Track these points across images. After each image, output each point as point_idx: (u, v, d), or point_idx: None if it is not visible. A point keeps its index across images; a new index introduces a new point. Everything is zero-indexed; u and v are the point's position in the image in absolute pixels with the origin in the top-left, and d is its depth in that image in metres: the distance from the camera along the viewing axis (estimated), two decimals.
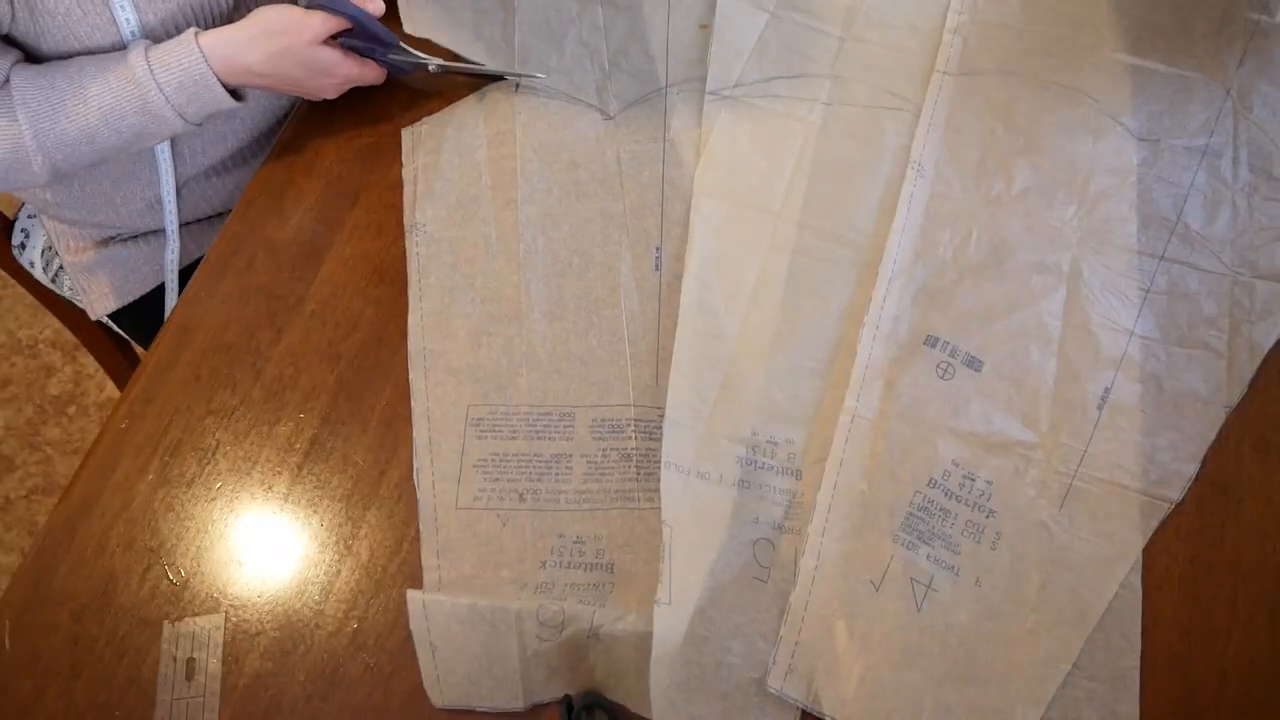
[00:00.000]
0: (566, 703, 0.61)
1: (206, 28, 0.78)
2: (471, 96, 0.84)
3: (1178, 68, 0.82)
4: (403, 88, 0.86)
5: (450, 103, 0.84)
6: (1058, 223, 0.76)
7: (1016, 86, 0.82)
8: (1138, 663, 0.62)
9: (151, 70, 0.73)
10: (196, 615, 0.66)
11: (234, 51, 0.75)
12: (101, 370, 1.15)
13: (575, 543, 0.67)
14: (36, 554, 0.69)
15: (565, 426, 0.71)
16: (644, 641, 0.62)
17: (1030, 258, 0.75)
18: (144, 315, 0.98)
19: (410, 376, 0.73)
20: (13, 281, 1.02)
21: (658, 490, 0.66)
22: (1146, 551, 0.66)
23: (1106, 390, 0.70)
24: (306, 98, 0.83)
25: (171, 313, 0.79)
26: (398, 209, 0.81)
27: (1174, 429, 0.69)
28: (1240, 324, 0.73)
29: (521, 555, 0.67)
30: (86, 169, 0.80)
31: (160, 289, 0.96)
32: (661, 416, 0.69)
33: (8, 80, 0.73)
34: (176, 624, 0.66)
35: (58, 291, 1.02)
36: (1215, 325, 0.73)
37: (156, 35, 0.77)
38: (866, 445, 0.69)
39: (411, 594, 0.65)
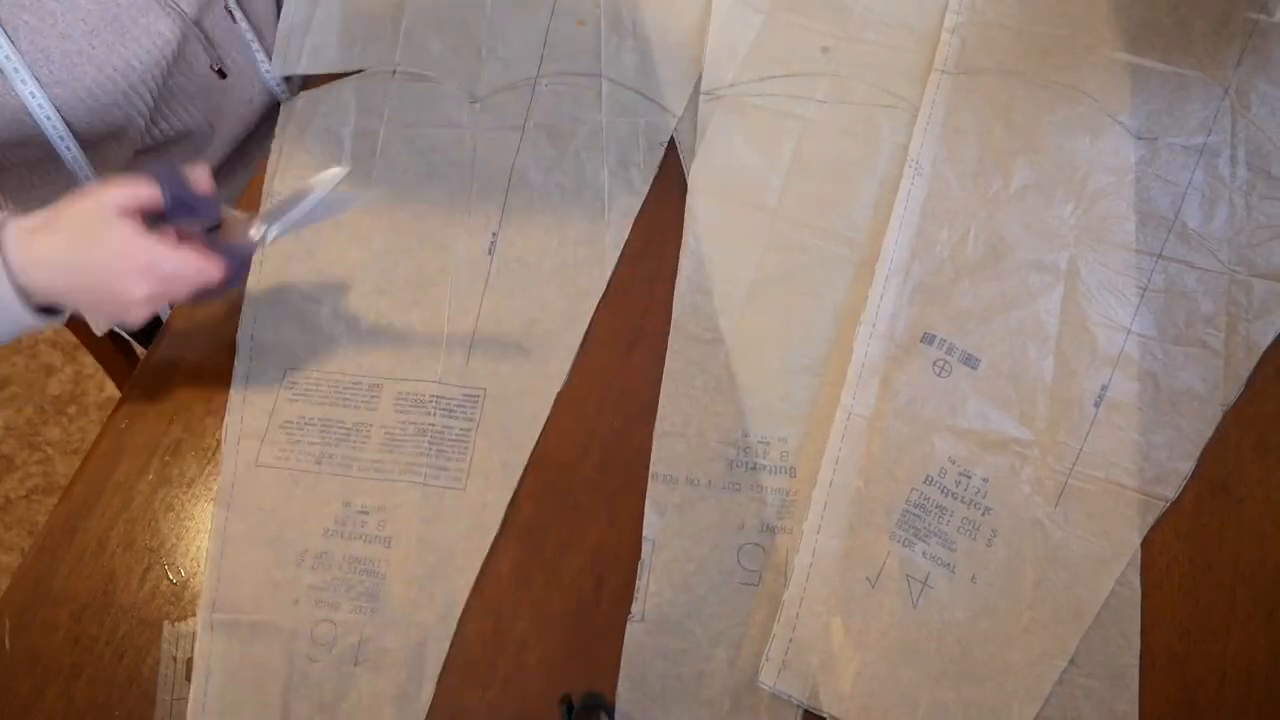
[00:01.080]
0: (566, 703, 0.61)
1: (135, 113, 0.72)
2: (351, 76, 0.84)
3: (1176, 66, 0.82)
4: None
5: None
6: (1055, 221, 0.76)
7: (1015, 85, 0.82)
8: (1136, 661, 0.63)
9: None
10: (196, 615, 0.66)
11: (27, 229, 0.59)
12: (101, 370, 1.15)
13: (360, 513, 0.69)
14: (36, 554, 0.69)
15: (371, 397, 0.72)
16: (406, 669, 0.64)
17: (1028, 256, 0.75)
18: None
19: (238, 336, 0.75)
20: None
21: (445, 468, 0.70)
22: (1146, 551, 0.66)
23: (1103, 388, 0.70)
24: (114, 318, 0.64)
25: (171, 313, 0.79)
26: None
27: (1171, 427, 0.69)
28: (1237, 322, 0.73)
29: (306, 517, 0.69)
30: None
31: None
32: (466, 396, 0.72)
33: None
34: (176, 624, 0.66)
35: None
36: (1212, 323, 0.73)
37: (76, 114, 0.70)
38: (863, 443, 0.69)
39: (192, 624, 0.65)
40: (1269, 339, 0.72)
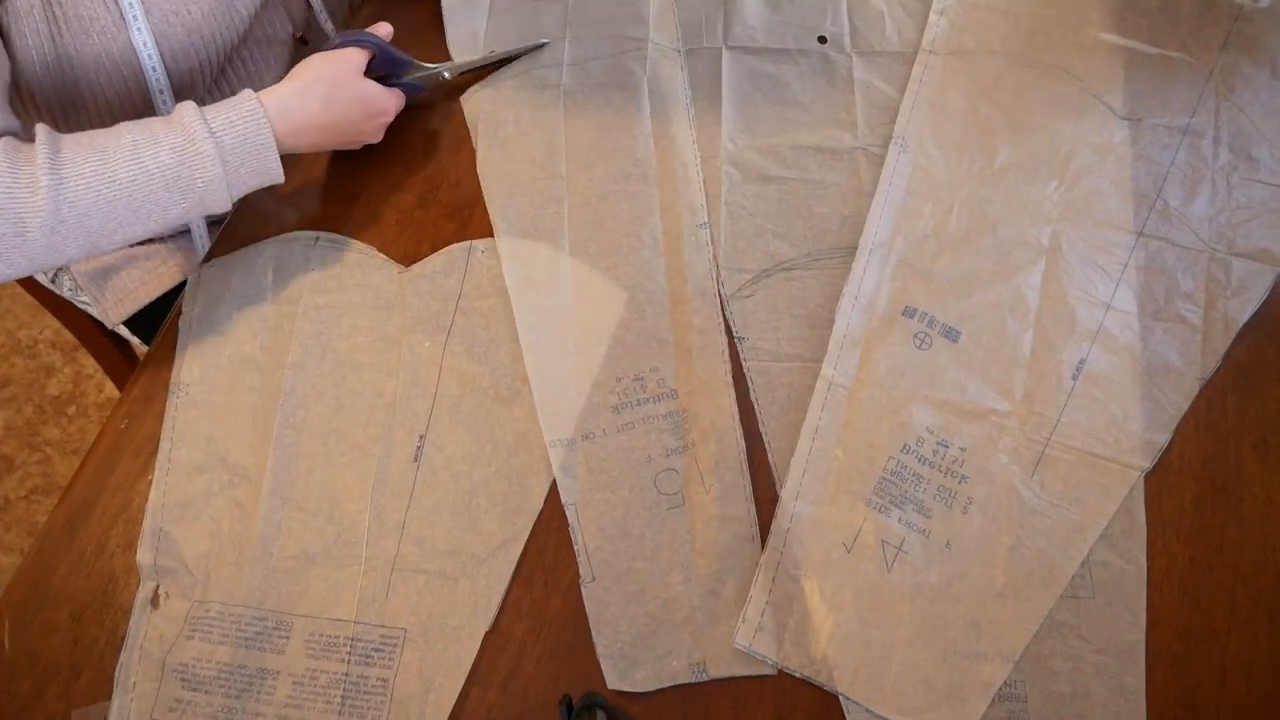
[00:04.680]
0: (566, 703, 0.61)
1: (225, 49, 0.80)
2: (267, 241, 0.79)
3: (1162, 49, 0.84)
4: None
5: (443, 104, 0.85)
6: (1038, 198, 0.78)
7: (1001, 65, 0.84)
8: (1143, 636, 0.63)
9: (208, 125, 0.68)
10: None
11: (293, 104, 0.73)
12: (101, 370, 1.15)
13: None
14: (36, 554, 0.68)
15: (279, 637, 0.64)
16: None
17: (1010, 232, 0.76)
18: (149, 314, 0.98)
19: (138, 556, 0.67)
20: (13, 281, 1.02)
21: None
22: (1146, 553, 0.66)
23: (1081, 361, 0.71)
24: (351, 147, 0.82)
25: (171, 313, 0.79)
26: (398, 208, 0.81)
27: (1147, 399, 0.70)
28: (1216, 299, 0.74)
29: None
30: (66, 250, 0.66)
31: (166, 292, 0.95)
32: (384, 638, 0.64)
33: (57, 148, 0.64)
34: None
35: (57, 292, 1.02)
36: (1191, 300, 0.74)
37: (180, 48, 0.77)
38: (842, 413, 0.70)
39: None
40: (1246, 315, 0.73)
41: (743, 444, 0.69)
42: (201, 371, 0.74)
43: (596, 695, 0.61)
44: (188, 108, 0.69)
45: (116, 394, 1.33)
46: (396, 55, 0.82)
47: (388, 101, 0.80)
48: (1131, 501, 0.67)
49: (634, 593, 0.65)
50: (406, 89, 0.84)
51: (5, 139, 0.64)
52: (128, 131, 0.67)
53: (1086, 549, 0.65)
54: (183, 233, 0.94)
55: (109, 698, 0.63)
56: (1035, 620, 0.63)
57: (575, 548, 0.66)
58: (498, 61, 0.88)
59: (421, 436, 0.71)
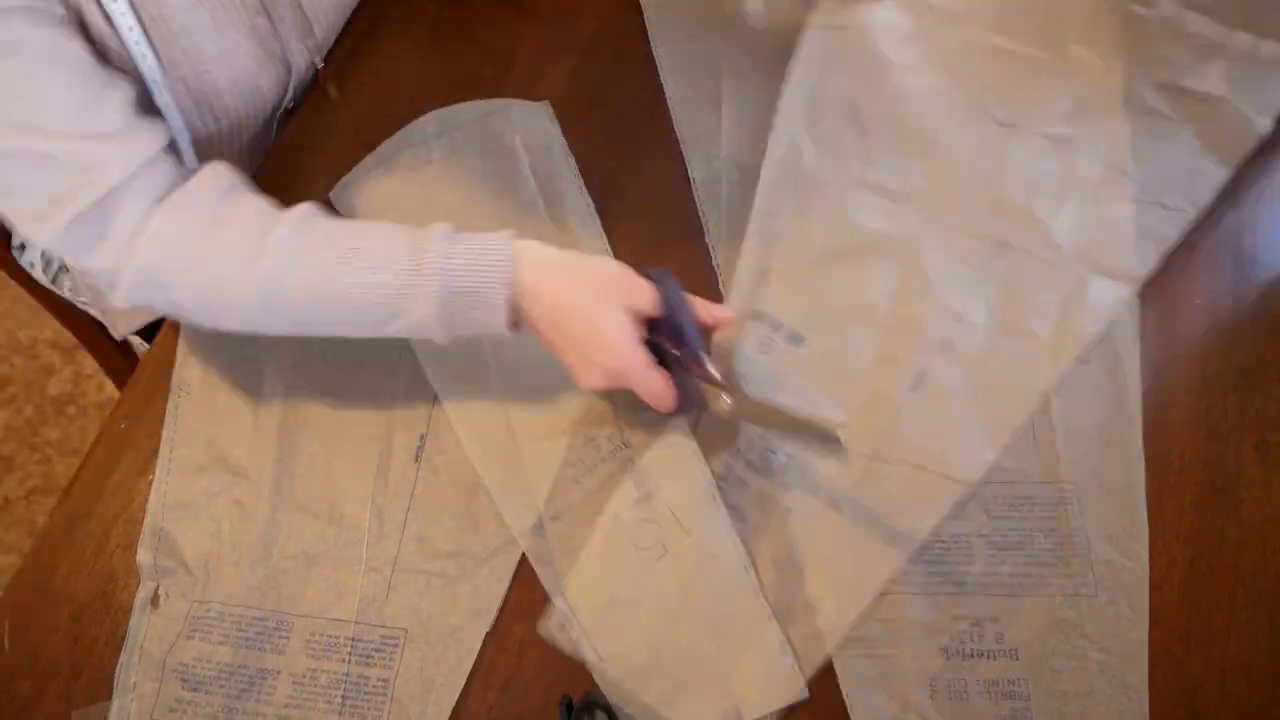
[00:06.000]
0: (566, 703, 0.61)
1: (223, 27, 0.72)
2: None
3: (1046, 53, 0.82)
4: (404, 91, 0.86)
5: None
6: (903, 202, 0.76)
7: (880, 68, 0.82)
8: (1145, 635, 0.63)
9: (446, 258, 0.60)
10: None
11: (543, 261, 0.62)
12: (101, 370, 1.14)
13: None
14: (36, 554, 0.69)
15: (279, 637, 0.64)
16: None
17: (870, 237, 0.75)
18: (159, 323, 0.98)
19: (138, 556, 0.67)
20: (13, 282, 1.02)
21: None
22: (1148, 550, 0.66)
23: (922, 373, 0.70)
24: (565, 367, 0.65)
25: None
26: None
27: (984, 413, 0.69)
28: (1070, 315, 0.73)
29: None
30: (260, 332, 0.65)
31: None
32: (385, 639, 0.64)
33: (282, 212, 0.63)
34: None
35: (58, 292, 1.02)
36: (1044, 314, 0.73)
37: (166, 42, 0.68)
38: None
39: None
40: (1096, 331, 0.72)
41: (709, 475, 0.67)
42: (202, 371, 0.74)
43: (596, 695, 0.61)
44: (439, 229, 0.63)
45: (116, 394, 1.33)
46: (687, 331, 0.63)
47: (627, 349, 0.62)
48: (1132, 500, 0.67)
49: (644, 666, 0.63)
50: (684, 393, 0.64)
51: (287, 212, 0.63)
52: (376, 236, 0.63)
53: (903, 560, 0.65)
54: None
55: (109, 698, 0.63)
56: (842, 629, 0.63)
57: (571, 633, 0.63)
58: (798, 426, 0.69)
59: (422, 436, 0.70)
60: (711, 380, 0.65)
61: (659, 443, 0.68)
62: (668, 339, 0.64)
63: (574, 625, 0.64)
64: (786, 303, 0.73)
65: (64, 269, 0.98)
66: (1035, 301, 0.73)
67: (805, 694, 0.61)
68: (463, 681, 0.63)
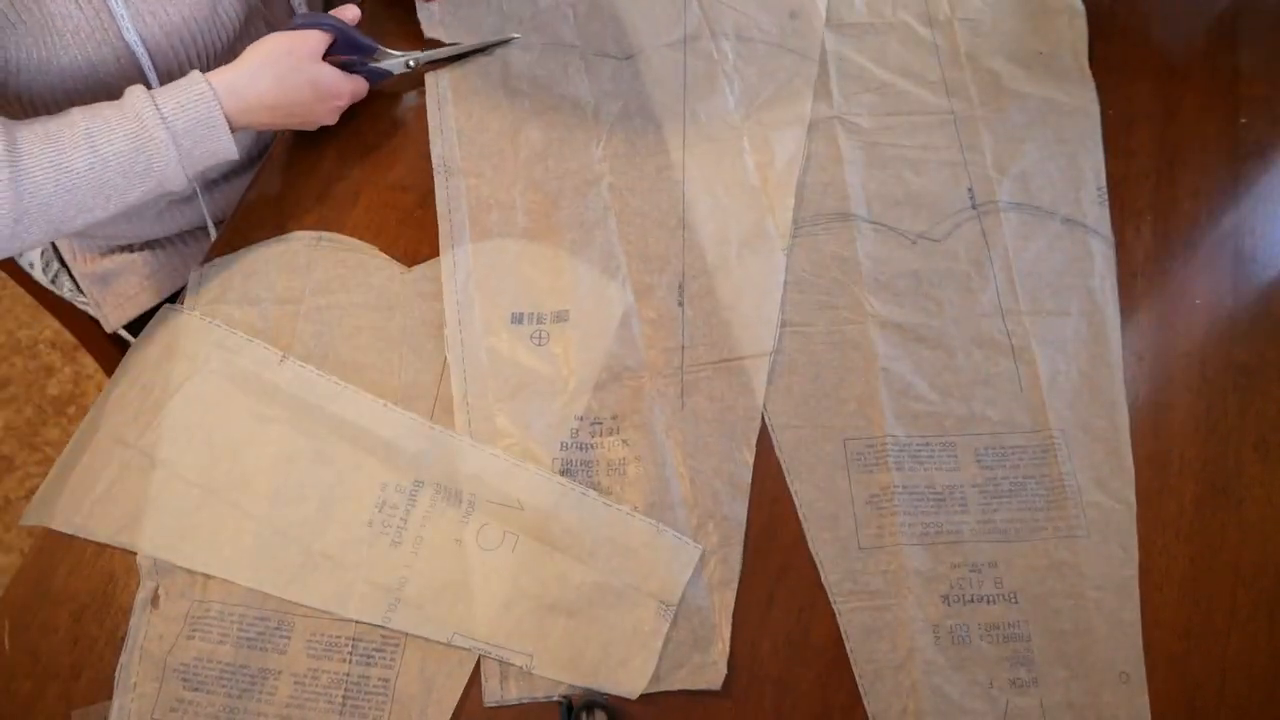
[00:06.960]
0: (566, 703, 0.61)
1: (212, 53, 0.79)
2: (269, 241, 0.79)
3: None
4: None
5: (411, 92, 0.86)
6: (586, 158, 0.82)
7: (507, 53, 0.88)
8: (1135, 572, 0.65)
9: (159, 110, 0.69)
10: None
11: (243, 83, 0.73)
12: (101, 370, 1.15)
13: None
14: (36, 554, 0.68)
15: (280, 637, 0.64)
16: None
17: (572, 202, 0.80)
18: (149, 315, 0.98)
19: (138, 556, 0.67)
20: (13, 282, 1.02)
21: None
22: (1146, 553, 0.66)
23: (680, 287, 0.75)
24: (305, 128, 0.82)
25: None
26: (399, 208, 0.81)
27: (746, 299, 0.74)
28: (765, 173, 0.80)
29: None
30: (41, 234, 0.68)
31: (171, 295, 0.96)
32: (386, 639, 0.64)
33: (14, 140, 0.65)
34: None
35: (57, 292, 1.02)
36: (749, 174, 0.80)
37: (162, 49, 0.76)
38: (499, 439, 0.70)
39: None
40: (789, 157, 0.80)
41: (499, 456, 0.68)
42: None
43: (597, 695, 0.61)
44: (138, 92, 0.70)
45: None
46: (360, 40, 0.81)
47: (343, 85, 0.80)
48: (1118, 443, 0.69)
49: (570, 630, 0.63)
50: (370, 75, 0.84)
51: None
52: (81, 119, 0.67)
53: (754, 440, 0.69)
54: (180, 238, 0.94)
55: (109, 698, 0.63)
56: (738, 545, 0.66)
57: (494, 658, 0.63)
58: (467, 52, 0.87)
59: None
60: (392, 55, 0.84)
61: (447, 463, 0.69)
62: (342, 49, 0.81)
63: (489, 650, 0.63)
64: (531, 293, 0.75)
65: (64, 269, 0.99)
66: (733, 178, 0.80)
67: (700, 548, 0.65)
68: (464, 681, 0.63)
